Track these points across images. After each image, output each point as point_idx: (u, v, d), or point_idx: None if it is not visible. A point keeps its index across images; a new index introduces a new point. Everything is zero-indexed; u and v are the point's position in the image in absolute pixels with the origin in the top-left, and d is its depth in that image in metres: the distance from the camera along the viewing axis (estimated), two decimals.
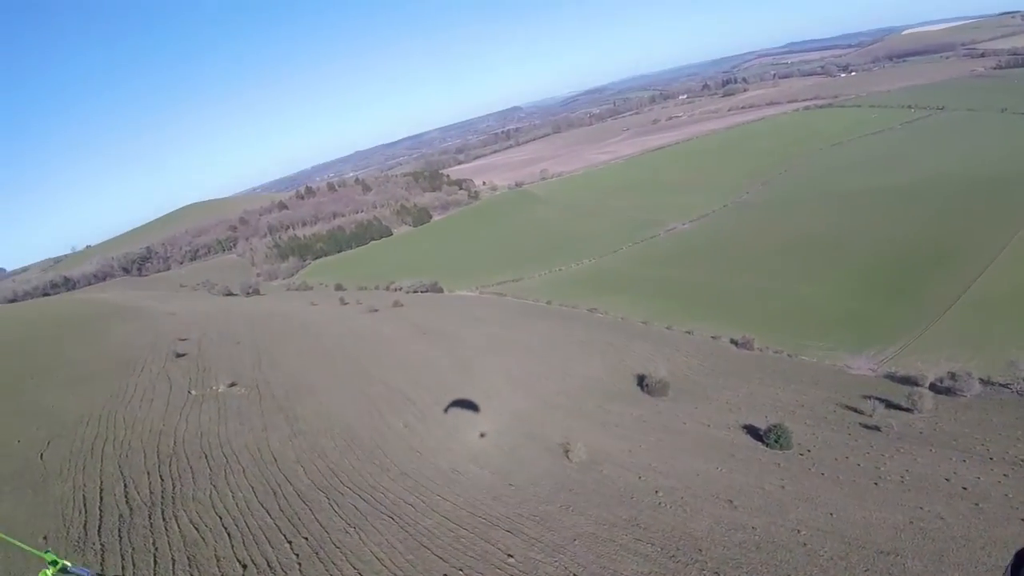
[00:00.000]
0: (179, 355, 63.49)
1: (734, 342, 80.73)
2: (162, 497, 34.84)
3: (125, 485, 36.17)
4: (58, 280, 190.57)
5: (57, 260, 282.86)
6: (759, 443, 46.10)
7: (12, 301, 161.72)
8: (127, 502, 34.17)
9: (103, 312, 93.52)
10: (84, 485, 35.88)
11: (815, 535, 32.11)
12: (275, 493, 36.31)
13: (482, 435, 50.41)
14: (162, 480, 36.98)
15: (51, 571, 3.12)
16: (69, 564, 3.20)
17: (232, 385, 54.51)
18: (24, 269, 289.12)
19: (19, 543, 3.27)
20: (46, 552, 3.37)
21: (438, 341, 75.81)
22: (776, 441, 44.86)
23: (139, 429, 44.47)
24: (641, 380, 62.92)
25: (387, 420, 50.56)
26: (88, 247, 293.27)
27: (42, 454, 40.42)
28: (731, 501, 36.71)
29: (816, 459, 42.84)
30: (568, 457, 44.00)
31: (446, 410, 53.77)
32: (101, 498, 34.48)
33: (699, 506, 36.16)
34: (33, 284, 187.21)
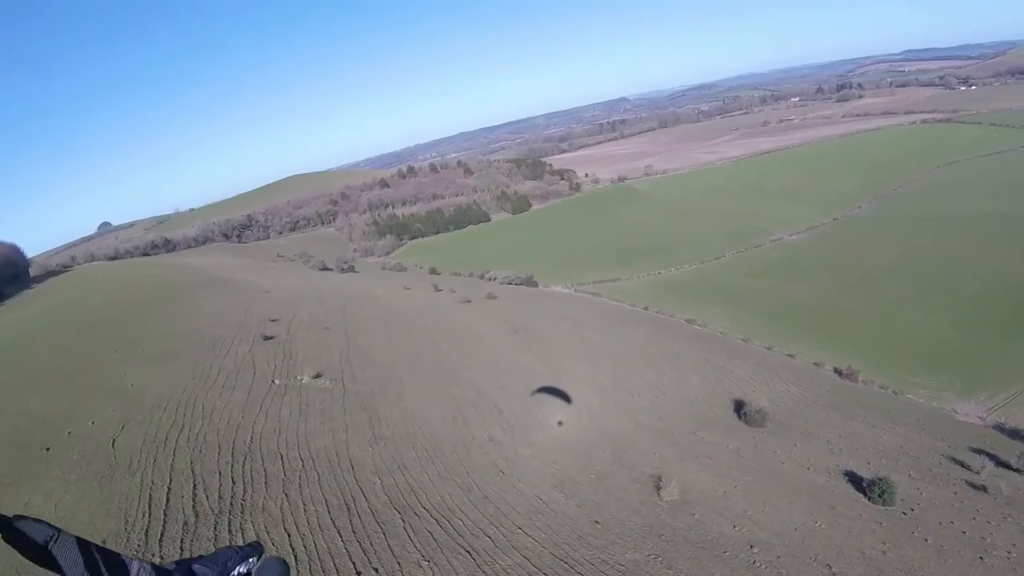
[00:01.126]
0: (267, 338, 62.23)
1: (838, 372, 75.57)
2: (231, 503, 32.64)
3: (195, 486, 34.13)
4: (159, 241, 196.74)
5: (161, 220, 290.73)
6: (861, 495, 42.49)
7: (113, 259, 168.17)
8: (194, 507, 32.09)
9: (197, 282, 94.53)
10: (153, 482, 33.96)
11: None
12: (349, 509, 33.76)
13: (560, 423, 48.77)
14: (233, 483, 34.84)
15: None
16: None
17: (317, 376, 52.51)
18: (130, 224, 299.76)
19: None
20: None
21: (529, 342, 72.68)
22: (880, 496, 41.42)
23: (216, 420, 42.67)
24: (739, 407, 58.86)
25: (472, 431, 47.58)
26: (192, 210, 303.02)
27: (114, 440, 38.92)
28: (830, 567, 33.25)
29: (920, 520, 39.19)
30: (659, 493, 40.36)
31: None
32: (167, 499, 32.49)
33: (797, 570, 32.76)
34: (135, 243, 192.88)
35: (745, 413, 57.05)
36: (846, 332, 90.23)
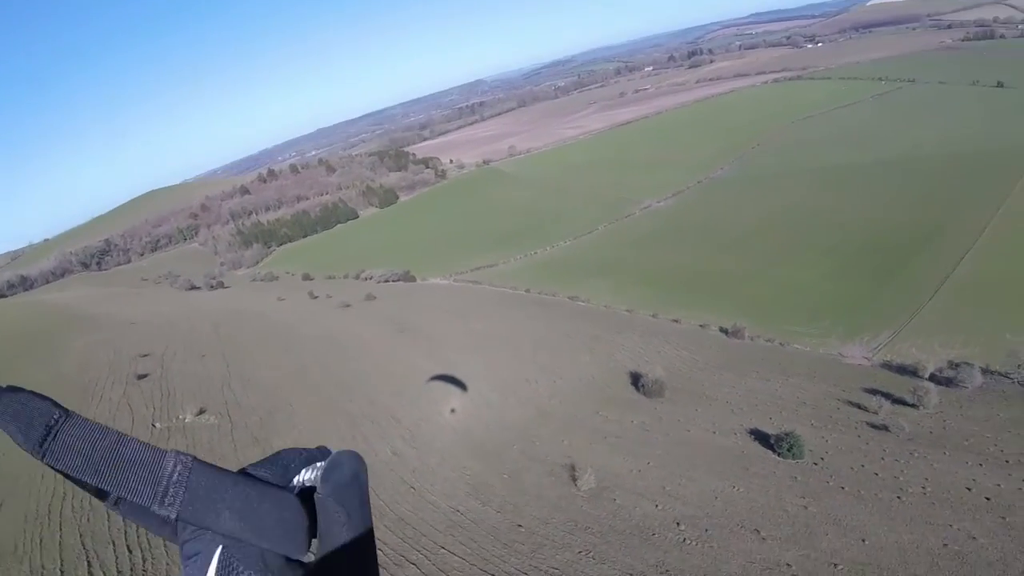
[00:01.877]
0: (140, 376, 58.73)
1: (724, 331, 78.47)
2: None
3: (89, 563, 31.53)
4: (15, 280, 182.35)
5: (15, 256, 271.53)
6: (770, 452, 43.97)
7: None
8: None
9: (58, 323, 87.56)
10: (43, 567, 31.20)
11: (853, 569, 30.30)
12: None
13: (453, 411, 49.27)
14: (130, 551, 32.52)
15: None
16: None
17: (201, 413, 50.07)
18: None
19: None
20: None
21: (417, 341, 72.21)
22: (789, 450, 42.93)
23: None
24: (636, 379, 60.04)
25: (374, 447, 46.81)
26: (47, 240, 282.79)
27: None
28: (758, 531, 34.47)
29: (832, 469, 40.82)
30: (576, 484, 41.04)
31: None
32: None
33: (726, 540, 33.77)
34: None
35: (643, 385, 58.03)
36: (726, 292, 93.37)
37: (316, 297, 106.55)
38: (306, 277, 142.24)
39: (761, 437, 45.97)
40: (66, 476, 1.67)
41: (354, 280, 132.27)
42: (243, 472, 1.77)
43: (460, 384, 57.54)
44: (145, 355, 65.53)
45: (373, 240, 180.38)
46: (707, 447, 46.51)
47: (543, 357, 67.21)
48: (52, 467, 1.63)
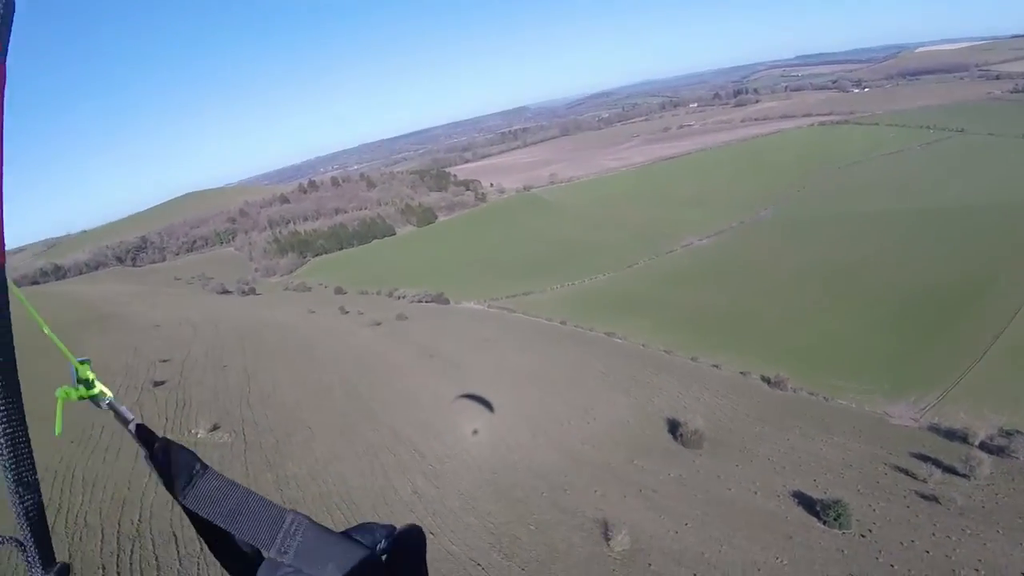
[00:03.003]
0: (157, 383, 56.06)
1: (766, 380, 73.78)
2: None
3: None
4: (48, 268, 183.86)
5: (51, 244, 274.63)
6: (815, 519, 40.92)
7: None
8: None
9: (81, 319, 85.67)
10: None
11: None
12: None
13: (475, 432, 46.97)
14: None
15: (77, 392, 1.99)
16: (109, 393, 2.05)
17: (214, 429, 47.05)
18: (20, 249, 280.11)
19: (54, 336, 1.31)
20: (82, 362, 2.06)
21: (447, 369, 68.88)
22: (836, 520, 40.03)
23: (99, 496, 36.84)
24: (674, 427, 56.41)
25: (393, 483, 43.34)
26: (84, 232, 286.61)
27: None
28: None
29: (880, 543, 37.95)
30: (608, 543, 37.30)
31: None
32: None
33: None
34: (22, 272, 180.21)
35: (681, 434, 54.73)
36: (767, 338, 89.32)
37: (347, 312, 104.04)
38: (339, 291, 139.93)
39: (805, 501, 43.17)
40: (194, 520, 1.99)
41: (387, 297, 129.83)
42: (344, 533, 2.07)
43: (486, 404, 55.00)
44: (165, 360, 62.94)
45: (408, 258, 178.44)
46: (748, 509, 43.43)
47: (577, 396, 63.73)
48: (187, 509, 1.94)
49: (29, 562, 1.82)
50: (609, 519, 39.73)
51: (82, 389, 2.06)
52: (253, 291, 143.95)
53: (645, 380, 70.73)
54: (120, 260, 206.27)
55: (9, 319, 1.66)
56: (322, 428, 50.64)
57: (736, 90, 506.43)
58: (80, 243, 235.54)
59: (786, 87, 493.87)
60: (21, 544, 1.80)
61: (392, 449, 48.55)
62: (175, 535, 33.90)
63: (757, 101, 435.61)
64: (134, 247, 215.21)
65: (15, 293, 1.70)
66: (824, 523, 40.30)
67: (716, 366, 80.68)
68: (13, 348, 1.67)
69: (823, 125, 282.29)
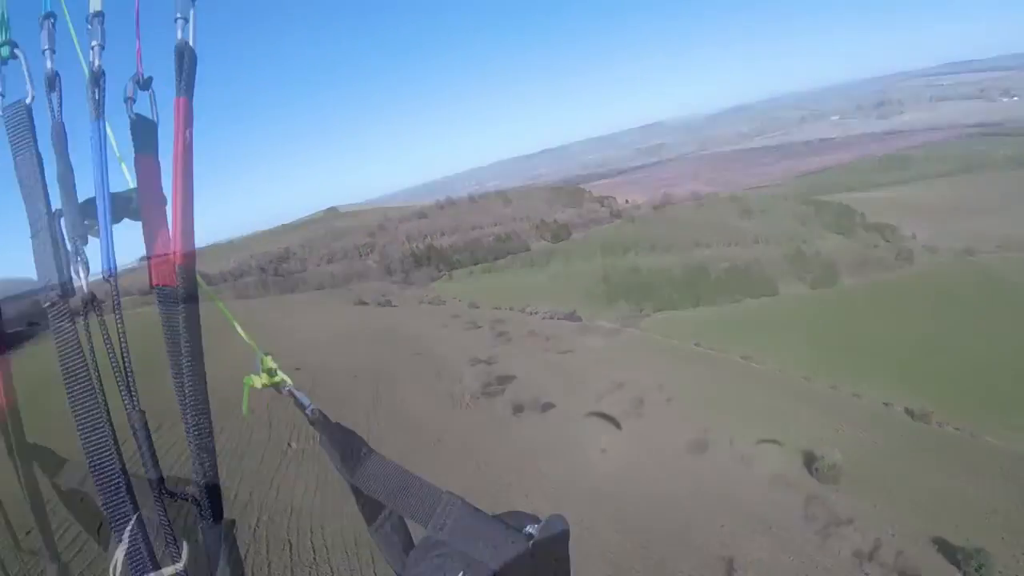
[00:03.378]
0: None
1: (909, 413, 68.75)
2: None
3: None
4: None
5: (198, 251, 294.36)
6: (955, 569, 38.27)
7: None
8: None
9: (220, 324, 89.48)
10: None
11: None
12: None
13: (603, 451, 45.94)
14: None
15: (261, 380, 2.37)
16: (289, 382, 2.41)
17: None
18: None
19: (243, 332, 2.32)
20: (266, 355, 2.41)
21: (581, 394, 66.06)
22: (978, 571, 37.68)
23: (227, 499, 37.18)
24: (809, 461, 52.96)
25: (514, 503, 41.38)
26: (231, 241, 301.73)
27: None
28: None
29: None
30: None
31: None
32: None
33: None
34: None
35: (816, 468, 51.69)
36: (910, 363, 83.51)
37: (479, 327, 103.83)
38: (472, 305, 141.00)
39: (945, 549, 40.05)
40: (358, 497, 2.32)
41: (519, 313, 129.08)
42: (495, 516, 2.20)
43: (614, 422, 53.94)
44: (298, 369, 64.13)
45: (541, 274, 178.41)
46: None
47: (706, 422, 59.47)
48: (354, 486, 2.26)
49: (203, 516, 2.07)
50: (735, 558, 37.89)
51: (265, 377, 2.40)
52: (389, 302, 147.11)
53: (782, 409, 66.16)
54: (263, 269, 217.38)
55: (198, 314, 1.90)
56: (445, 444, 49.83)
57: (878, 101, 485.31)
58: (226, 253, 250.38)
59: (931, 97, 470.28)
60: (197, 501, 2.05)
61: (516, 467, 46.96)
62: (290, 541, 33.57)
63: (901, 112, 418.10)
64: (277, 257, 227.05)
65: (208, 295, 1.96)
66: (964, 573, 38.09)
67: (856, 395, 75.90)
68: (201, 338, 1.93)
69: (971, 137, 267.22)
